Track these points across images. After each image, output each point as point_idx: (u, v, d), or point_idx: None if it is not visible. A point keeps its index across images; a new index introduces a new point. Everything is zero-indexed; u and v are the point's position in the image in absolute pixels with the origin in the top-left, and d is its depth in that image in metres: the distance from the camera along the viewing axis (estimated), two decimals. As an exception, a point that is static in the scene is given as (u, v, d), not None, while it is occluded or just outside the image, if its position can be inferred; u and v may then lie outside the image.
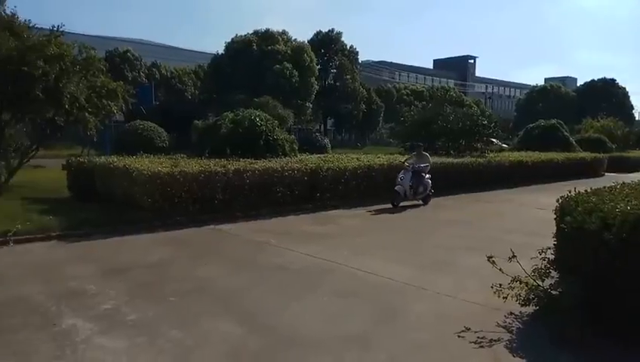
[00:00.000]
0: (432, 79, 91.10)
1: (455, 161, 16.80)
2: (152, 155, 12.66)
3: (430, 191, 13.23)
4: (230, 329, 4.74)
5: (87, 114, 13.01)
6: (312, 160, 13.54)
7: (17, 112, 13.08)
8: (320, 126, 55.37)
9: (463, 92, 74.32)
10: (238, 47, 40.72)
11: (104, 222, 9.11)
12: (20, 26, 12.74)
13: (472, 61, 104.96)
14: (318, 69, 46.36)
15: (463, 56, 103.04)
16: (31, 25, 12.95)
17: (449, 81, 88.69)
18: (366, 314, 5.21)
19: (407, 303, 5.55)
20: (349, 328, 4.81)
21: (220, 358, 4.16)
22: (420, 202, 13.11)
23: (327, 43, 50.98)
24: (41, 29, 13.28)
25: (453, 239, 9.05)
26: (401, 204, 12.62)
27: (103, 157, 12.67)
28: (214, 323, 4.89)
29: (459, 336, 4.60)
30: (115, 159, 11.38)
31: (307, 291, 5.93)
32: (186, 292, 5.80)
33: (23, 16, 13.06)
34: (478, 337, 4.56)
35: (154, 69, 42.83)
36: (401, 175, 12.64)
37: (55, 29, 12.84)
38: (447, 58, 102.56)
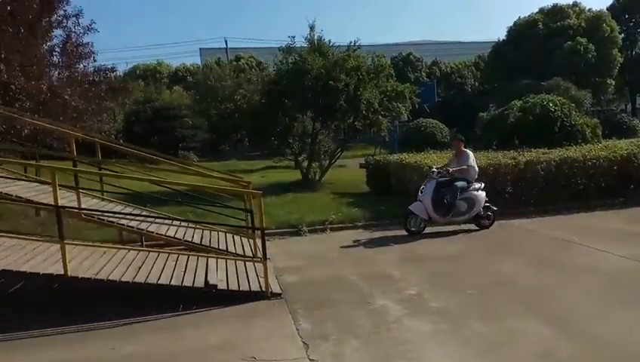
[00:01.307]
0: None
1: None
2: (437, 151, 13.05)
3: (488, 211, 8.77)
4: (537, 329, 4.46)
5: (380, 117, 14.35)
6: (621, 146, 11.53)
7: (325, 121, 15.43)
8: (626, 105, 46.58)
9: None
10: (521, 30, 37.90)
11: (399, 214, 9.83)
12: (325, 46, 14.98)
13: None
14: (622, 38, 39.07)
15: None
16: (331, 44, 15.10)
17: None
18: None
19: None
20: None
21: (531, 358, 3.95)
22: (474, 226, 8.78)
23: (634, 5, 42.41)
24: (339, 46, 15.33)
25: None
26: (430, 229, 8.69)
27: (395, 154, 13.72)
28: (518, 320, 4.68)
29: None
30: (407, 156, 12.17)
31: (632, 299, 5.07)
32: (484, 286, 5.74)
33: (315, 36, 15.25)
34: None
35: (434, 67, 44.03)
36: (422, 186, 8.81)
37: (352, 44, 14.63)
38: None
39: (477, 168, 8.92)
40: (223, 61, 39.80)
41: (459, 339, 4.35)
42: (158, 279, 5.45)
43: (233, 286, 5.63)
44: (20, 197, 6.60)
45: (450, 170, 8.71)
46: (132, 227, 7.08)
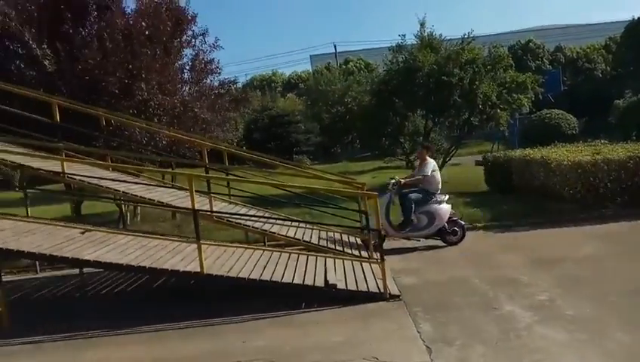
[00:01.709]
0: None
1: None
2: (565, 144, 12.01)
3: (454, 225, 8.02)
4: (699, 344, 3.90)
5: (498, 110, 13.59)
6: None
7: (438, 118, 15.01)
8: None
9: None
10: (663, 4, 33.42)
11: (524, 214, 9.27)
12: (436, 41, 14.61)
13: None
14: None
15: None
16: (443, 38, 14.71)
17: None
18: None
19: None
20: None
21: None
22: (440, 243, 7.99)
23: None
24: (451, 39, 14.84)
25: None
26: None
27: (518, 150, 12.89)
28: (674, 333, 4.14)
29: None
30: (531, 151, 11.36)
31: None
32: (627, 293, 5.15)
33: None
34: None
35: (558, 53, 40.47)
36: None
37: (466, 36, 14.07)
38: None
39: (439, 178, 8.26)
40: (332, 66, 40.62)
41: (599, 350, 3.96)
42: (282, 277, 5.73)
43: (352, 287, 5.72)
44: (161, 202, 7.37)
45: (402, 181, 8.18)
46: (256, 228, 7.55)
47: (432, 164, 8.32)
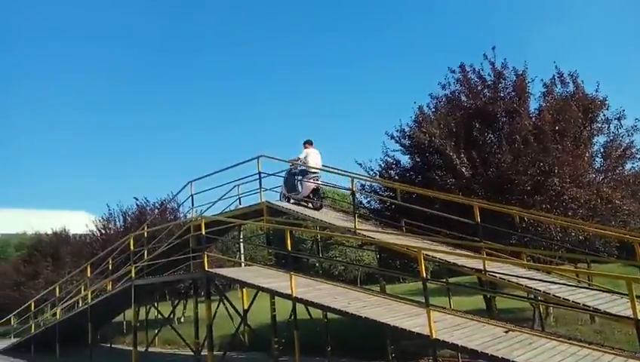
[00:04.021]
0: None
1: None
2: None
3: (315, 198, 11.22)
4: None
5: None
6: None
7: None
8: None
9: None
10: None
11: None
12: None
13: None
14: None
15: None
16: None
17: None
18: None
19: None
20: None
21: None
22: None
23: None
24: None
25: None
26: None
27: None
28: None
29: None
30: None
31: None
32: None
33: None
34: None
35: None
36: None
37: None
38: None
39: (310, 162, 10.91)
40: None
41: None
42: None
43: None
44: (588, 306, 6.68)
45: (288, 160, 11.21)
46: None
47: (304, 151, 11.19)
